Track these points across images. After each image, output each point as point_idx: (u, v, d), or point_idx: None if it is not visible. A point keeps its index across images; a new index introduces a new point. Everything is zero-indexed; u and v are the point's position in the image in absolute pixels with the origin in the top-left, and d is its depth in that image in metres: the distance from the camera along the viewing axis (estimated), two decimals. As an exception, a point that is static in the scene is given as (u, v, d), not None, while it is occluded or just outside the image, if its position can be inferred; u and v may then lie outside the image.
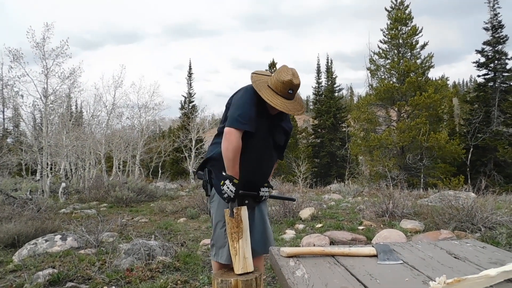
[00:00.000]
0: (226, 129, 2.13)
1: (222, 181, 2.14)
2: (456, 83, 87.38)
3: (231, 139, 2.10)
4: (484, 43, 23.93)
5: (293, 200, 2.90)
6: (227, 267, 2.33)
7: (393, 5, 23.44)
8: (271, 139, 2.37)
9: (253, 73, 2.29)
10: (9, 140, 23.40)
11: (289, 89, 2.15)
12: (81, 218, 7.28)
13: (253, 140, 2.21)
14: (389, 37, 23.08)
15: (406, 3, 23.14)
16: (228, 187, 2.11)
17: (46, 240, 4.70)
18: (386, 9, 23.72)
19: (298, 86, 2.19)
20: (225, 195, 2.13)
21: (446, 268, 1.43)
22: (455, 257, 1.57)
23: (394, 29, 22.74)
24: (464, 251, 1.67)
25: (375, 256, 1.58)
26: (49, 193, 11.10)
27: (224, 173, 2.16)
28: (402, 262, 1.51)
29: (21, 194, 9.85)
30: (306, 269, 1.43)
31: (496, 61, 23.68)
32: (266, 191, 2.41)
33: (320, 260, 1.56)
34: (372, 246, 1.65)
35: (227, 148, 2.12)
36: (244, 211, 2.17)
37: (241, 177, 2.17)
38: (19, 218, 6.14)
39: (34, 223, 5.50)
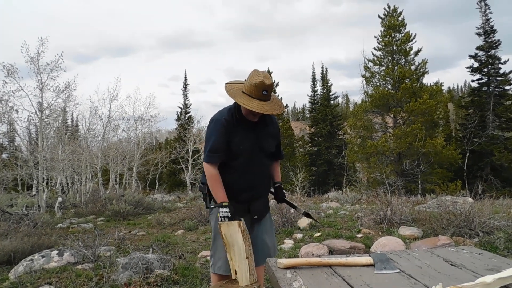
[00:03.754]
0: (203, 163, 2.38)
1: (220, 213, 2.25)
2: (451, 88, 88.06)
3: (208, 172, 2.33)
4: (477, 48, 24.17)
5: (306, 214, 2.85)
6: (226, 279, 2.35)
7: (386, 12, 23.70)
8: (257, 148, 2.40)
9: (226, 83, 2.34)
10: (4, 155, 23.32)
11: (263, 90, 2.20)
12: (78, 233, 7.22)
13: (237, 159, 2.36)
14: (383, 44, 23.27)
15: (399, 10, 23.41)
16: (223, 214, 2.23)
17: (43, 256, 4.65)
18: (379, 16, 23.98)
19: (271, 86, 2.23)
20: (223, 219, 2.24)
21: (443, 276, 1.43)
22: (452, 265, 1.57)
23: (388, 36, 22.95)
24: (461, 258, 1.67)
25: (372, 265, 1.58)
26: (45, 208, 11.02)
27: (213, 204, 2.36)
28: (399, 271, 1.51)
29: (17, 209, 9.77)
30: (304, 281, 1.43)
31: (489, 66, 23.89)
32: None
33: (318, 270, 1.56)
34: (369, 256, 1.65)
35: (208, 180, 2.35)
36: (233, 227, 2.20)
37: (234, 195, 2.34)
38: (15, 235, 6.09)
39: (30, 239, 5.45)
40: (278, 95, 31.12)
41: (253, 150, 2.37)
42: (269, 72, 31.23)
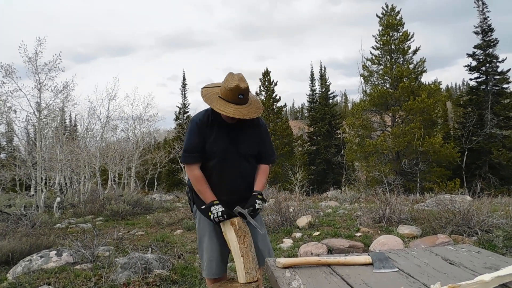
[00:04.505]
0: (185, 166, 2.36)
1: (209, 213, 2.22)
2: (449, 87, 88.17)
3: (190, 174, 2.32)
4: (475, 47, 24.24)
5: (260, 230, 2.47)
6: (219, 281, 2.35)
7: (384, 12, 23.73)
8: (233, 150, 2.32)
9: (202, 88, 2.31)
10: (2, 155, 23.25)
11: (239, 94, 2.16)
12: (76, 233, 7.21)
13: (212, 160, 2.31)
14: (381, 43, 23.30)
15: (397, 9, 23.45)
16: (214, 214, 2.19)
17: (41, 256, 4.65)
18: (377, 15, 24.02)
19: (246, 89, 2.18)
20: (216, 220, 2.20)
21: (442, 274, 1.43)
22: (450, 263, 1.57)
23: (386, 35, 22.98)
24: (459, 256, 1.67)
25: (371, 264, 1.58)
26: (43, 208, 10.99)
27: (204, 205, 2.29)
28: (397, 269, 1.50)
29: (15, 210, 9.74)
30: (302, 280, 1.42)
31: (487, 64, 23.96)
32: (246, 207, 2.31)
33: (316, 270, 1.55)
34: (368, 254, 1.65)
35: (192, 182, 2.33)
36: (227, 225, 2.21)
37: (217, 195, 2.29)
38: (13, 235, 6.07)
39: (29, 240, 5.44)
40: (279, 99, 31.23)
41: (227, 152, 2.31)
42: (268, 72, 31.27)
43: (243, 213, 2.21)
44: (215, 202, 2.21)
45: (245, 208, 2.26)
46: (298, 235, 6.24)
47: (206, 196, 2.27)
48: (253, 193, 2.33)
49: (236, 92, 2.14)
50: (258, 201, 2.29)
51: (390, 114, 22.66)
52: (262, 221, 2.58)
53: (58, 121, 15.47)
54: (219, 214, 2.17)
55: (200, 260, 2.48)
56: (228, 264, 2.77)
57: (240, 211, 2.22)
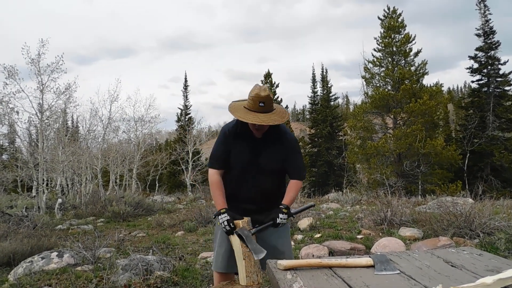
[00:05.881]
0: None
1: (219, 221, 2.25)
2: (451, 89, 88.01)
3: (210, 178, 2.42)
4: (477, 49, 24.16)
5: (312, 205, 2.85)
6: (225, 276, 2.42)
7: (385, 14, 23.71)
8: (253, 164, 2.37)
9: (231, 102, 2.38)
10: (4, 156, 23.32)
11: (259, 102, 2.19)
12: (77, 234, 7.22)
13: (233, 170, 2.41)
14: (382, 45, 23.28)
15: (398, 12, 23.42)
16: (222, 222, 2.22)
17: (42, 258, 4.65)
18: (379, 17, 23.99)
19: (267, 97, 2.21)
20: (224, 230, 2.25)
21: (443, 277, 1.42)
22: (452, 266, 1.57)
23: (388, 37, 22.95)
24: (461, 259, 1.67)
25: (373, 266, 1.57)
26: (45, 210, 11.01)
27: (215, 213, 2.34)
28: (399, 272, 1.50)
29: (16, 211, 9.77)
30: (304, 282, 1.42)
31: (489, 67, 23.89)
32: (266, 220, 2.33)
33: (318, 272, 1.55)
34: (369, 257, 1.64)
35: (210, 186, 2.43)
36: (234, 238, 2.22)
37: (235, 205, 2.37)
38: (14, 236, 6.08)
39: (30, 241, 5.44)
40: (281, 101, 31.22)
41: (248, 164, 2.37)
42: (269, 74, 31.31)
43: (242, 236, 2.15)
44: (222, 211, 2.25)
45: (266, 221, 2.29)
46: (299, 237, 6.24)
47: (217, 203, 2.34)
48: (279, 206, 2.34)
49: (256, 100, 2.19)
50: (281, 215, 2.28)
51: (392, 116, 22.61)
52: (288, 234, 2.63)
53: (60, 123, 15.52)
54: (225, 223, 2.20)
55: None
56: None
57: (240, 234, 2.17)
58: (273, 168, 2.44)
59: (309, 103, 39.27)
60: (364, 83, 24.34)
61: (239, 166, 2.39)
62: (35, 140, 15.15)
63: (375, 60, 23.69)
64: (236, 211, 2.32)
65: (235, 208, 2.34)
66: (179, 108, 35.01)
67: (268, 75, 31.31)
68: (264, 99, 2.20)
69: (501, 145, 22.65)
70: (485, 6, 24.16)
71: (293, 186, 2.46)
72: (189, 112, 34.60)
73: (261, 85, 2.28)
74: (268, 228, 2.30)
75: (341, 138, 32.33)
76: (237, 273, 2.33)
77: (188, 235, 7.09)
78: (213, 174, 2.39)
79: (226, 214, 2.23)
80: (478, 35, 24.19)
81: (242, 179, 2.41)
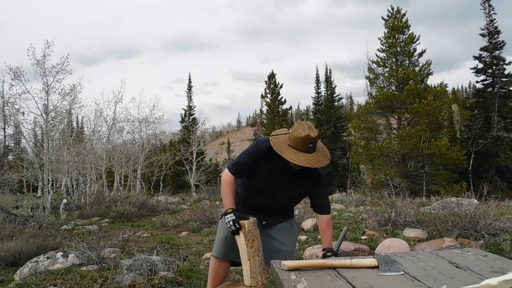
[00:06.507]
0: (225, 170, 2.45)
1: (225, 221, 2.26)
2: (455, 89, 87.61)
3: (224, 178, 2.41)
4: (482, 49, 24.04)
5: (347, 230, 2.76)
6: (221, 261, 2.49)
7: (389, 14, 23.66)
8: (273, 191, 2.41)
9: (271, 136, 2.31)
10: (10, 157, 23.45)
11: (309, 143, 2.15)
12: (82, 234, 7.25)
13: (253, 183, 2.44)
14: (386, 45, 23.22)
15: (402, 12, 23.35)
16: (228, 222, 2.23)
17: (48, 258, 4.68)
18: (383, 18, 23.94)
19: (316, 138, 2.19)
20: (229, 230, 2.25)
21: (448, 278, 1.42)
22: (456, 267, 1.57)
23: (392, 38, 22.89)
24: (466, 260, 1.66)
25: (377, 267, 1.57)
26: (50, 210, 11.06)
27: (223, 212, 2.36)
28: (403, 273, 1.50)
29: (22, 211, 9.82)
30: (308, 283, 1.42)
31: (494, 67, 23.76)
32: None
33: (322, 272, 1.56)
34: (373, 257, 1.65)
35: (221, 185, 2.42)
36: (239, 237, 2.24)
37: (246, 210, 2.41)
38: (20, 236, 6.12)
39: (36, 241, 5.47)
40: (284, 101, 31.20)
41: (269, 189, 2.40)
42: (273, 74, 31.30)
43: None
44: (229, 211, 2.26)
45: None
46: (303, 238, 6.24)
47: (226, 202, 2.34)
48: (323, 251, 2.36)
49: (306, 141, 2.14)
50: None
51: (396, 117, 22.55)
52: (295, 233, 2.69)
53: (65, 123, 15.57)
54: (231, 223, 2.21)
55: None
56: (237, 268, 2.81)
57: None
58: (293, 198, 2.53)
59: (313, 104, 39.20)
60: (368, 83, 24.30)
61: (259, 185, 2.41)
62: (40, 140, 15.25)
63: (379, 60, 23.64)
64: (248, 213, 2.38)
65: (240, 211, 2.36)
66: (183, 109, 35.15)
67: (272, 76, 31.31)
68: (314, 140, 2.17)
69: (506, 145, 22.51)
70: (489, 6, 24.06)
71: (328, 224, 2.44)
72: (193, 112, 34.71)
73: (305, 122, 2.23)
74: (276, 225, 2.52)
75: (345, 138, 32.29)
76: (234, 262, 2.48)
77: (192, 235, 7.11)
78: (228, 176, 2.39)
79: (232, 214, 2.24)
80: (482, 35, 24.08)
81: (258, 194, 2.44)
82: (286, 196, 2.44)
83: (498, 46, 23.63)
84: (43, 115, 12.16)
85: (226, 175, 2.40)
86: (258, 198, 2.44)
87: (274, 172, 2.34)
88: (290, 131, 2.25)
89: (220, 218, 2.38)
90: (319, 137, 2.24)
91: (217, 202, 12.66)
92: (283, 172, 2.31)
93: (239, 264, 2.52)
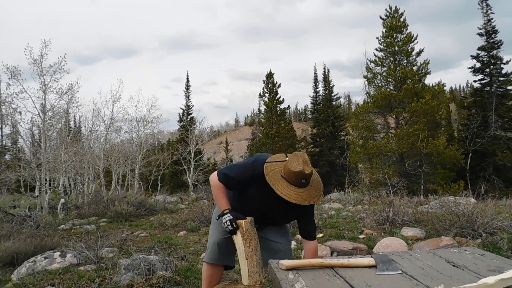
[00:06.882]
0: (213, 174, 2.41)
1: (222, 222, 2.26)
2: (453, 88, 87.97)
3: (213, 181, 2.37)
4: (479, 49, 24.10)
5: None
6: (215, 267, 2.50)
7: (387, 13, 23.68)
8: (260, 213, 2.39)
9: (266, 162, 2.26)
10: (7, 157, 23.36)
11: (302, 179, 2.13)
12: (80, 234, 7.23)
13: (243, 197, 2.40)
14: (384, 45, 23.25)
15: (400, 11, 23.39)
16: (225, 222, 2.23)
17: (45, 258, 4.67)
18: (381, 17, 23.97)
19: (310, 175, 2.15)
20: (227, 229, 2.25)
21: (445, 277, 1.43)
22: (454, 266, 1.57)
23: (390, 37, 22.92)
24: (463, 259, 1.67)
25: (374, 266, 1.58)
26: (48, 210, 11.03)
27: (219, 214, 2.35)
28: (401, 272, 1.51)
29: (19, 211, 9.78)
30: (306, 282, 1.43)
31: (491, 66, 23.83)
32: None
33: (320, 272, 1.56)
34: (371, 257, 1.65)
35: (212, 188, 2.40)
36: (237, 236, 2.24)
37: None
38: (17, 236, 6.10)
39: (33, 241, 5.46)
40: (282, 101, 31.21)
41: (257, 210, 2.38)
42: (271, 74, 31.29)
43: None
44: (225, 211, 2.27)
45: None
46: (302, 237, 6.23)
47: (220, 203, 2.34)
48: None
49: (299, 176, 2.12)
50: None
51: (394, 116, 22.60)
52: (288, 234, 2.68)
53: (63, 123, 15.55)
54: (228, 223, 2.21)
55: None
56: (235, 267, 2.80)
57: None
58: (284, 220, 2.57)
59: (311, 103, 39.31)
60: (366, 82, 24.35)
61: (250, 204, 2.38)
62: (37, 140, 15.18)
63: (377, 59, 23.68)
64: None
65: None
66: (181, 108, 35.12)
67: (270, 75, 31.31)
68: (307, 177, 2.14)
69: (503, 144, 22.60)
70: (487, 5, 24.13)
71: (314, 252, 2.42)
72: (191, 112, 34.70)
73: (301, 155, 2.17)
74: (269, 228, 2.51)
75: (343, 138, 32.32)
76: (227, 266, 2.52)
77: (190, 235, 7.10)
78: (218, 182, 2.36)
79: (229, 214, 2.24)
80: (480, 35, 24.14)
81: (249, 210, 2.37)
82: (277, 216, 2.45)
83: (496, 45, 23.71)
84: (41, 114, 12.12)
85: (215, 181, 2.36)
86: (249, 213, 2.39)
87: (265, 197, 2.29)
88: (287, 159, 2.21)
89: (218, 219, 2.36)
90: (312, 174, 2.20)
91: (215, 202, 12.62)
92: (275, 198, 2.23)
93: (232, 267, 2.60)
